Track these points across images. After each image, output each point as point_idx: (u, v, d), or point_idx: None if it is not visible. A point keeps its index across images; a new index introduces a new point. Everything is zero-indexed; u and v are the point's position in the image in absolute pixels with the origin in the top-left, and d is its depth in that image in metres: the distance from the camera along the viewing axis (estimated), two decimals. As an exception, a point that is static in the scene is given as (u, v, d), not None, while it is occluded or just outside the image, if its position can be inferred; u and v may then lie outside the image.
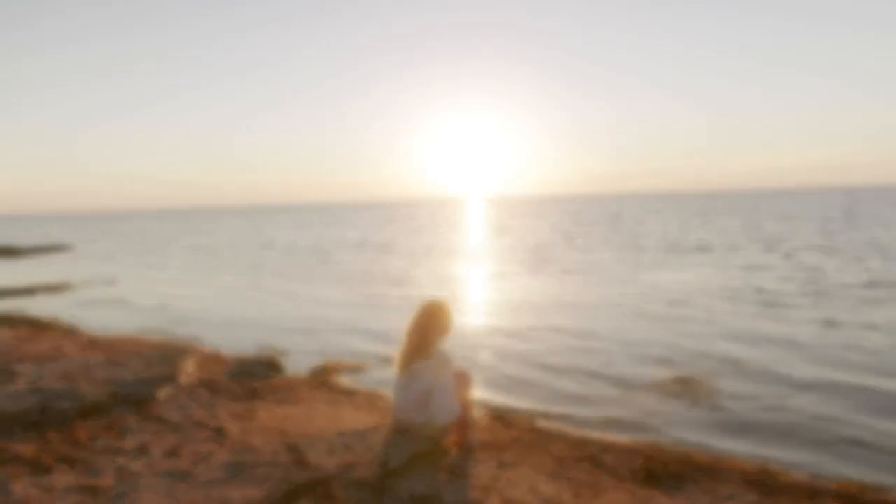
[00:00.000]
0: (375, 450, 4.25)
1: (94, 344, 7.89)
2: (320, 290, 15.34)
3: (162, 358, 6.74)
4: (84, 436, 4.54)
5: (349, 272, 19.15)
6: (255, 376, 6.54)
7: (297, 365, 7.59)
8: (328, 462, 4.07)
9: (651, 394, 6.47)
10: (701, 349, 8.16)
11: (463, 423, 4.36)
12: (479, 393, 6.02)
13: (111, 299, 14.64)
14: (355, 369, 7.58)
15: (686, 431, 5.45)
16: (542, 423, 5.54)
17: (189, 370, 6.45)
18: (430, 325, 4.31)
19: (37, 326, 10.20)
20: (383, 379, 6.70)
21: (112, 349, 7.40)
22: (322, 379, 6.90)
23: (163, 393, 5.66)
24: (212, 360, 7.29)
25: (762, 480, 4.13)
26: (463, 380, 4.44)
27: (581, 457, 4.44)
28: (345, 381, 6.99)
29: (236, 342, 9.10)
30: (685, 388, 6.57)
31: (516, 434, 4.96)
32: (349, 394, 6.17)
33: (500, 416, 5.62)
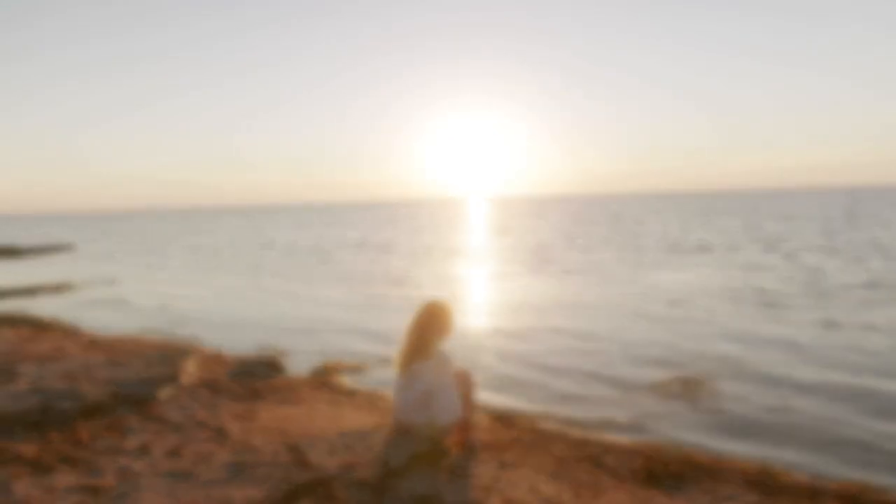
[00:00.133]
0: (376, 450, 4.26)
1: (95, 344, 7.90)
2: (320, 290, 15.35)
3: (163, 358, 6.75)
4: (85, 436, 4.55)
5: (349, 272, 19.16)
6: (255, 376, 6.55)
7: (298, 365, 7.60)
8: (329, 462, 4.08)
9: (651, 394, 6.47)
10: (701, 350, 8.17)
11: (465, 423, 4.36)
12: (480, 394, 6.02)
13: (112, 299, 14.65)
14: (356, 369, 7.59)
15: (686, 432, 5.45)
16: (542, 424, 5.54)
17: (190, 370, 6.46)
18: (430, 326, 4.31)
19: (38, 326, 10.21)
20: (384, 379, 6.71)
21: (113, 349, 7.41)
22: (323, 379, 6.90)
23: (164, 393, 5.67)
24: (213, 360, 7.30)
25: (762, 481, 4.13)
26: (465, 380, 4.44)
27: (581, 457, 4.45)
28: (345, 381, 7.00)
29: (237, 342, 9.11)
30: (685, 389, 6.58)
31: (517, 434, 4.97)
32: (350, 394, 6.18)
33: (501, 417, 5.62)
